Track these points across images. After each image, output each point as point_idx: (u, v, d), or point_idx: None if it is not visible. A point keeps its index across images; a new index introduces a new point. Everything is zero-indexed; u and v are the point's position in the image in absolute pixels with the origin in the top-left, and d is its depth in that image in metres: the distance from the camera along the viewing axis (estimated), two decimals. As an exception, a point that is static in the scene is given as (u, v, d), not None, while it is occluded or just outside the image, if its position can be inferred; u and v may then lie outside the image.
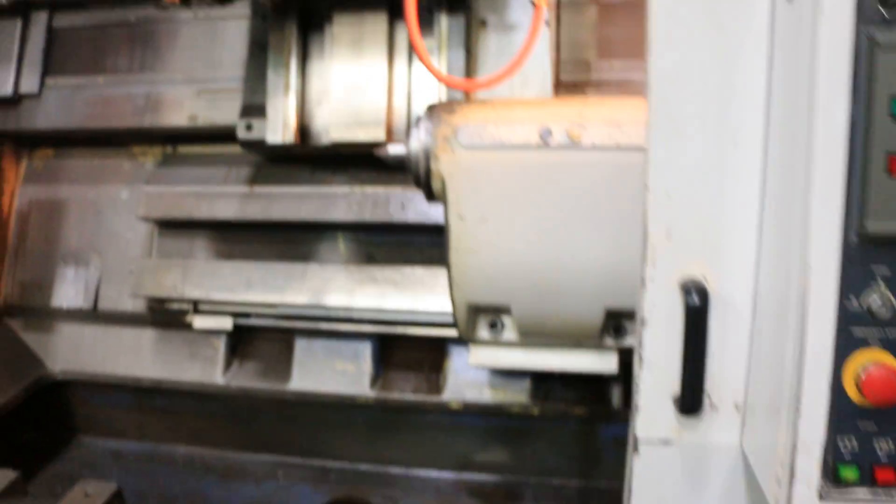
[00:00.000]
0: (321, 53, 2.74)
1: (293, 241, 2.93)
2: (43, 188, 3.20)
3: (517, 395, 2.68)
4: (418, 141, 2.01)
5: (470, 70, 2.51)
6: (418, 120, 2.03)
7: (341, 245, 2.83)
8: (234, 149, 3.03)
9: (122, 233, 3.08)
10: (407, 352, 2.83)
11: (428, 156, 1.98)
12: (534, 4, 2.05)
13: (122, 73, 3.20)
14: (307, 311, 2.89)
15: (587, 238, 1.93)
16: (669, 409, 1.31)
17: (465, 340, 2.36)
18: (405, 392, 2.75)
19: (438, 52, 2.52)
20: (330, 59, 2.71)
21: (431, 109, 2.01)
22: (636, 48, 2.52)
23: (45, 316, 3.27)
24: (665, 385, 1.31)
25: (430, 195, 2.04)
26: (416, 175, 2.02)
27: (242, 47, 3.01)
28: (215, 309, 2.90)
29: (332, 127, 2.65)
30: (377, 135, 2.46)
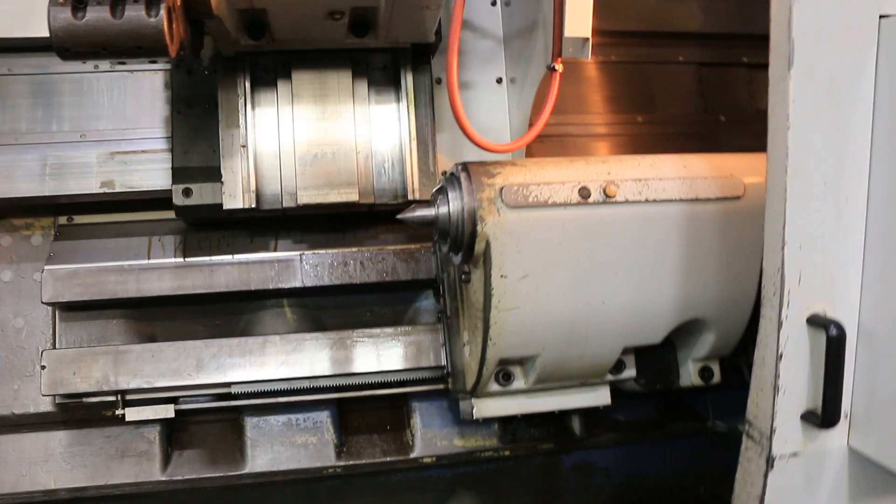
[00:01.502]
0: (276, 111, 2.89)
1: (228, 313, 2.93)
2: None
3: (487, 440, 2.96)
4: (457, 203, 2.22)
5: (434, 128, 2.72)
6: (451, 182, 2.41)
7: (288, 313, 2.86)
8: (143, 215, 3.16)
9: (7, 321, 2.94)
10: (367, 415, 2.93)
11: (471, 218, 2.18)
12: (553, 69, 2.35)
13: (3, 133, 3.02)
14: (263, 387, 3.00)
15: (616, 284, 2.46)
16: (797, 426, 1.85)
17: (452, 395, 2.89)
18: (374, 456, 2.85)
19: (406, 109, 2.67)
20: (290, 117, 2.89)
21: (466, 172, 2.24)
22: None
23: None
24: (795, 406, 1.85)
25: (468, 256, 2.42)
26: (456, 237, 2.23)
27: (155, 103, 3.07)
28: (151, 397, 2.67)
29: (302, 189, 2.86)
30: (350, 196, 2.67)
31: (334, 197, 2.79)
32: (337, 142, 2.84)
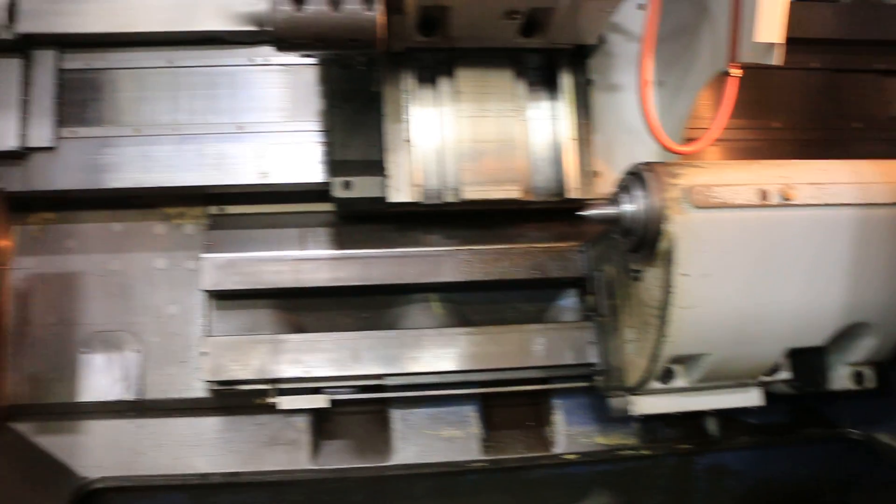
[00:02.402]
0: (438, 108, 3.07)
1: (376, 306, 3.06)
2: (45, 260, 3.11)
3: (628, 439, 3.05)
4: (643, 202, 2.31)
5: (590, 128, 2.82)
6: (634, 181, 2.56)
7: (435, 307, 2.97)
8: (294, 207, 3.31)
9: (162, 307, 3.06)
10: (510, 410, 3.04)
11: (656, 217, 2.27)
12: (728, 73, 2.44)
13: (165, 124, 3.21)
14: (414, 380, 3.15)
15: (788, 285, 2.66)
16: None
17: (603, 392, 3.02)
18: (517, 451, 2.95)
19: (563, 109, 2.77)
20: (452, 113, 3.05)
21: (651, 171, 2.32)
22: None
23: (67, 414, 3.19)
24: None
25: (648, 255, 2.56)
26: (640, 236, 2.31)
27: (310, 97, 3.23)
28: (301, 387, 2.80)
29: (466, 185, 3.02)
30: (513, 192, 2.78)
31: (498, 193, 2.92)
32: (498, 139, 2.98)
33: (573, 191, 3.05)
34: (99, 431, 3.17)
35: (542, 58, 3.13)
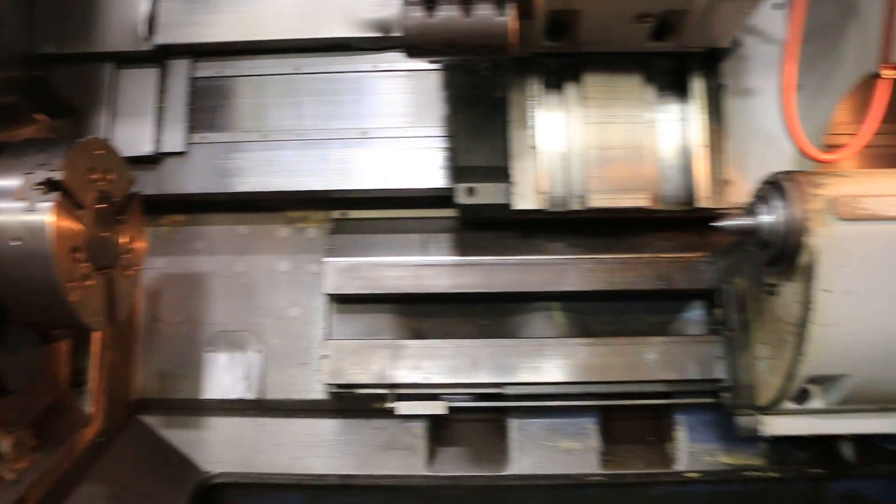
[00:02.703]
0: (564, 114, 3.02)
1: (496, 313, 3.03)
2: (175, 260, 3.19)
3: (754, 459, 2.90)
4: (782, 213, 2.16)
5: (722, 134, 2.68)
6: (773, 191, 2.45)
7: (556, 316, 2.89)
8: (415, 212, 3.34)
9: (284, 309, 3.09)
10: (630, 424, 2.93)
11: (797, 229, 2.12)
12: (879, 76, 2.28)
13: (291, 130, 3.28)
14: (534, 390, 3.10)
15: None
16: None
17: (730, 410, 2.90)
18: (637, 466, 2.83)
19: (694, 115, 2.66)
20: (579, 119, 2.99)
21: (791, 181, 2.18)
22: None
23: (191, 410, 3.31)
24: None
25: (787, 268, 2.44)
26: (778, 248, 2.17)
27: (434, 102, 3.24)
28: (420, 393, 2.88)
29: (592, 193, 2.96)
30: (642, 201, 2.73)
31: (626, 201, 2.86)
32: (626, 145, 2.91)
33: (703, 200, 2.95)
34: (221, 428, 3.26)
35: (672, 62, 3.05)
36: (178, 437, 3.27)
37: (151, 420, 3.28)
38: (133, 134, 3.19)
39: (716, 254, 3.11)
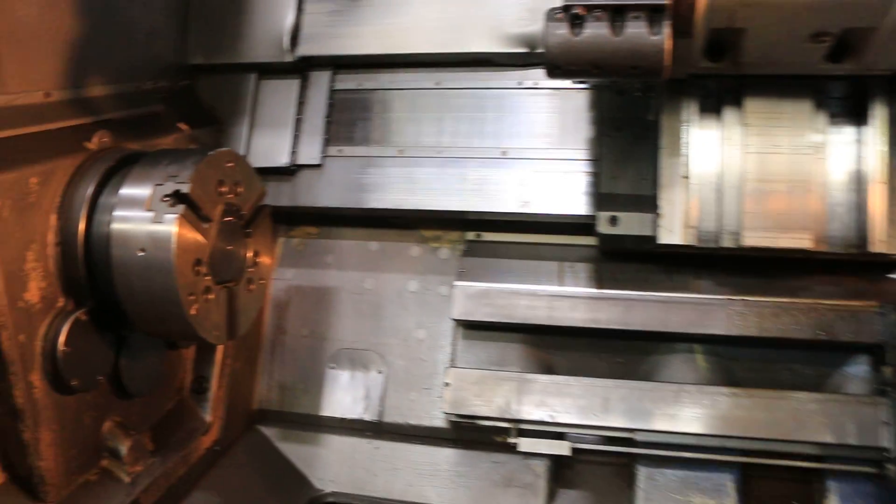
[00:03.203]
0: (720, 141, 2.77)
1: (633, 351, 2.76)
2: (304, 273, 3.14)
3: None
4: None
5: None
6: None
7: (699, 360, 2.56)
8: (553, 238, 3.15)
9: (410, 331, 2.96)
10: (773, 484, 2.59)
11: None
12: None
13: (429, 146, 3.16)
14: (668, 438, 2.85)
15: None
16: None
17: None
18: None
19: (872, 147, 2.30)
20: (738, 148, 2.73)
21: None
22: None
23: (308, 425, 3.26)
24: None
25: None
26: None
27: (579, 124, 3.04)
28: (544, 430, 2.73)
29: (748, 230, 2.69)
30: (803, 242, 2.42)
31: (785, 242, 2.57)
32: (789, 178, 2.62)
33: (878, 243, 2.62)
34: (337, 446, 3.20)
35: (849, 86, 2.73)
36: (294, 451, 3.22)
37: (269, 431, 3.24)
38: (271, 145, 3.16)
39: (888, 304, 2.73)
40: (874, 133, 2.70)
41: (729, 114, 2.77)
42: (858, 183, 2.74)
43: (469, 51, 3.11)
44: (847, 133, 2.78)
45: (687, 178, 2.74)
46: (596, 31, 2.08)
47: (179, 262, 2.19)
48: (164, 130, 2.84)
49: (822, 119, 2.74)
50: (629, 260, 3.04)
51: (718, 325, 2.89)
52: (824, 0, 2.18)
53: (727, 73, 2.63)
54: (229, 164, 2.46)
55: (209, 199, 2.34)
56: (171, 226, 2.20)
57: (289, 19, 3.18)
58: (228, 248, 2.46)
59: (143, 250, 2.21)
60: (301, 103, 3.24)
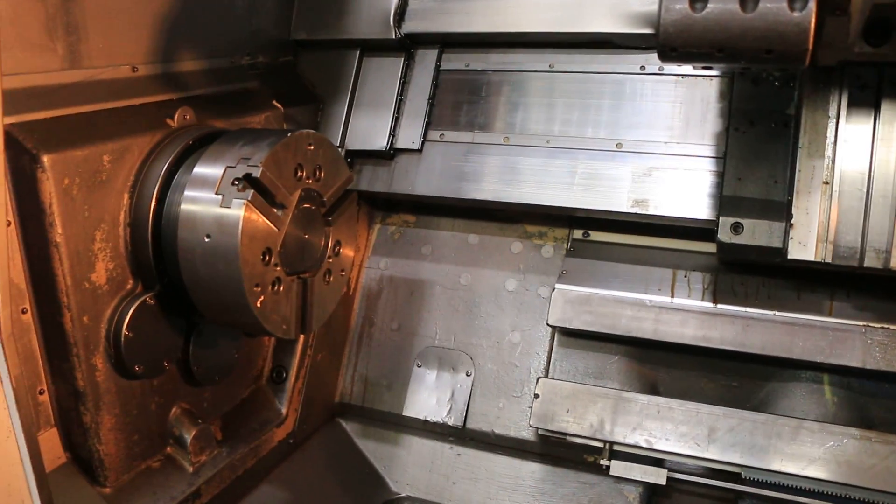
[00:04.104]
0: (871, 142, 2.33)
1: (749, 374, 2.40)
2: (398, 263, 2.99)
3: None
4: None
5: None
6: None
7: (827, 392, 2.11)
8: (668, 242, 2.82)
9: (503, 333, 2.77)
10: None
11: None
12: None
13: (537, 134, 2.86)
14: (780, 479, 2.48)
15: None
16: None
17: None
18: None
19: None
20: (892, 152, 2.28)
21: None
22: None
23: (390, 424, 3.06)
24: None
25: None
26: None
27: (707, 115, 2.67)
28: (640, 454, 2.43)
29: None
30: None
31: (941, 265, 2.08)
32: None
33: None
34: (417, 449, 3.02)
35: None
36: (373, 449, 3.06)
37: (349, 426, 3.09)
38: (370, 126, 2.97)
39: None
40: None
41: (888, 110, 2.32)
42: None
43: (587, 30, 2.80)
44: None
45: (828, 183, 2.32)
46: (723, 5, 1.73)
47: (245, 251, 2.02)
48: (256, 108, 2.68)
49: None
50: (753, 272, 2.66)
51: (853, 355, 2.48)
52: None
53: (890, 60, 2.19)
54: (310, 147, 2.28)
55: (285, 184, 2.16)
56: (238, 211, 2.02)
57: (396, -7, 2.97)
58: (305, 236, 2.29)
59: (209, 236, 2.06)
60: (404, 83, 3.02)
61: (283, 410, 2.80)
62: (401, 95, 3.02)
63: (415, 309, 3.07)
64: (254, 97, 2.74)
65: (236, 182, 2.06)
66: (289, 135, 2.20)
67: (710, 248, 2.73)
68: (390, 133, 2.98)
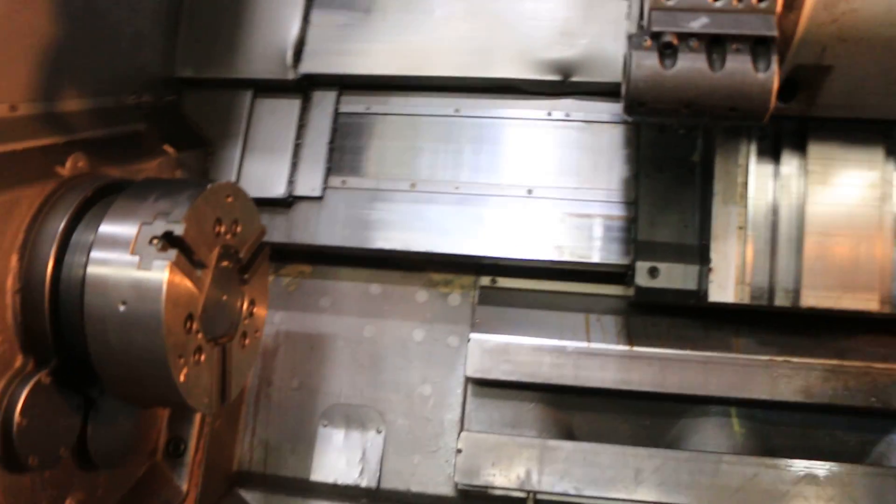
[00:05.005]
0: (777, 188, 2.47)
1: (660, 412, 2.49)
2: (295, 316, 2.84)
3: None
4: None
5: None
6: None
7: (735, 424, 2.27)
8: (578, 287, 2.79)
9: (414, 386, 2.75)
10: None
11: None
12: None
13: (444, 181, 2.79)
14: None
15: None
16: None
17: None
18: None
19: None
20: (798, 197, 2.43)
21: None
22: None
23: (296, 490, 2.80)
24: None
25: None
26: None
27: (614, 162, 2.73)
28: (570, 500, 2.53)
29: (807, 289, 2.39)
30: (869, 303, 2.15)
31: (848, 303, 2.29)
32: (855, 233, 2.32)
33: (949, 307, 2.33)
34: (329, 517, 2.74)
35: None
36: (280, 520, 2.76)
37: (251, 496, 2.81)
38: (265, 172, 2.77)
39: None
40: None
41: (788, 159, 2.48)
42: (926, 239, 2.47)
43: (494, 76, 2.75)
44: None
45: (743, 228, 2.42)
46: (691, 64, 1.74)
47: (169, 319, 1.80)
48: (148, 153, 2.42)
49: (891, 167, 2.46)
50: (661, 313, 2.72)
51: (762, 388, 2.60)
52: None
53: (795, 114, 2.33)
54: (228, 199, 2.07)
55: (205, 242, 1.96)
56: (160, 274, 1.79)
57: (293, 31, 2.78)
58: (223, 298, 2.08)
59: (124, 302, 1.80)
60: (301, 126, 2.84)
61: (184, 486, 2.51)
62: (298, 139, 2.84)
63: (316, 365, 2.87)
64: (144, 141, 2.46)
65: (156, 240, 1.82)
66: (208, 187, 1.99)
67: (619, 290, 2.78)
68: (289, 179, 2.78)
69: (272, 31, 2.81)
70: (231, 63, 2.80)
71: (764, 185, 2.49)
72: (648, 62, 1.78)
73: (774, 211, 2.48)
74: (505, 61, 2.75)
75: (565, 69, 2.72)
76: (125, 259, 1.84)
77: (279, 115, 2.84)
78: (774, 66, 1.76)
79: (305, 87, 2.86)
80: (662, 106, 1.82)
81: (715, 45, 1.75)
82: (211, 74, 2.81)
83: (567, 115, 2.78)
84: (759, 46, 1.75)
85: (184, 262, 1.86)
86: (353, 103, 2.89)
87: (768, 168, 2.50)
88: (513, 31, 2.75)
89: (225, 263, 2.08)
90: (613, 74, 2.71)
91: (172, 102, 2.78)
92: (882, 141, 2.46)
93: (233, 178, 2.77)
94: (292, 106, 2.85)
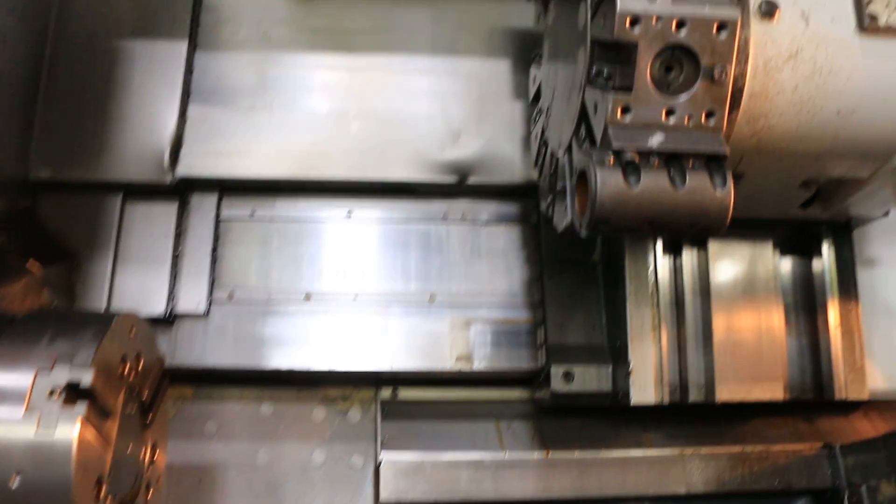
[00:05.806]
0: (683, 287, 2.54)
1: None
2: (178, 446, 2.46)
3: None
4: None
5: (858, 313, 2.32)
6: None
7: None
8: (484, 393, 2.69)
9: None
10: None
11: None
12: None
13: (342, 290, 2.63)
14: None
15: None
16: None
17: None
18: None
19: (827, 290, 2.24)
20: (704, 294, 2.50)
21: None
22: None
23: None
24: None
25: None
26: None
27: (513, 263, 2.69)
28: None
29: (721, 384, 2.44)
30: (775, 392, 2.29)
31: (758, 394, 2.40)
32: (759, 327, 2.41)
33: (840, 389, 2.46)
34: None
35: (793, 229, 2.58)
36: None
37: None
38: (142, 287, 2.44)
39: (842, 447, 2.58)
40: (826, 276, 2.59)
41: (689, 256, 2.53)
42: (815, 328, 2.61)
43: (388, 179, 2.62)
44: (800, 275, 2.67)
45: (656, 329, 2.42)
46: (654, 182, 1.71)
47: (79, 488, 1.48)
48: (12, 274, 2.02)
49: (781, 262, 2.59)
50: (571, 414, 2.65)
51: (678, 482, 2.59)
52: (834, 149, 2.00)
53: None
54: (131, 334, 1.78)
55: (112, 387, 1.68)
56: (68, 434, 1.50)
57: (168, 128, 2.50)
58: (128, 449, 1.79)
59: (19, 473, 1.49)
60: (179, 234, 2.54)
61: None
62: (177, 249, 2.53)
63: (205, 501, 2.52)
64: (5, 258, 2.07)
65: (58, 393, 1.52)
66: (113, 322, 1.70)
67: (524, 394, 2.69)
68: (169, 295, 2.47)
69: (144, 128, 2.52)
70: (96, 163, 2.47)
71: (670, 283, 2.52)
72: (613, 180, 1.73)
73: (680, 306, 2.52)
74: (399, 162, 2.63)
75: (460, 170, 2.64)
76: (17, 418, 1.51)
77: (154, 221, 2.53)
78: (730, 183, 1.77)
79: (182, 189, 2.57)
80: (626, 223, 1.77)
81: (672, 161, 1.73)
82: (72, 176, 2.45)
83: (463, 216, 2.69)
84: (712, 163, 1.75)
85: (94, 416, 1.56)
86: (236, 207, 2.64)
87: (672, 265, 2.53)
88: (406, 130, 2.65)
89: (129, 408, 1.78)
90: (509, 175, 2.67)
91: (28, 209, 2.38)
92: (770, 236, 2.59)
93: (104, 295, 2.41)
94: (168, 211, 2.55)
